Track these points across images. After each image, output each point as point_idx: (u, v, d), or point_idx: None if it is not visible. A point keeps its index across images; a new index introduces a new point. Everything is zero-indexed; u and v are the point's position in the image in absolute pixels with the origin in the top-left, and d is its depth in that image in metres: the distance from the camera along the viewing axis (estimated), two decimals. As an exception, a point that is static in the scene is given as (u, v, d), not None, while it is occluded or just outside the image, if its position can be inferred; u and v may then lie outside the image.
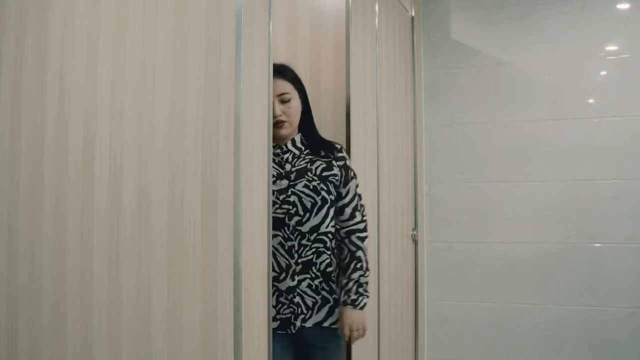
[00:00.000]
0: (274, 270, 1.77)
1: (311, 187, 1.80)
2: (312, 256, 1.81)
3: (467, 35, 3.33)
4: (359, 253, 1.88)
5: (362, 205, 1.94)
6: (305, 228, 1.79)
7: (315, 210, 1.80)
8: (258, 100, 1.55)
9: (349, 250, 1.88)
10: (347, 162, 1.91)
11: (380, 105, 2.53)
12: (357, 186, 1.92)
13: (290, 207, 1.78)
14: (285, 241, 1.79)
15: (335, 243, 1.89)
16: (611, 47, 3.08)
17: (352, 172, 1.91)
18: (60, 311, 1.62)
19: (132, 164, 1.55)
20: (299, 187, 1.79)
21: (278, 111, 1.80)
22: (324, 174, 1.84)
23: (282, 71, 1.84)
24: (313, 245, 1.81)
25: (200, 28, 1.49)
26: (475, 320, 3.24)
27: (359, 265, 1.87)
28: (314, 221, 1.80)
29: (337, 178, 1.86)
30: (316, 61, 2.30)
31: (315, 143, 1.90)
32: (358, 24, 2.30)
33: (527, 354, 3.14)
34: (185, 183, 1.48)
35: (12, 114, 1.72)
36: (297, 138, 1.89)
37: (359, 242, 1.89)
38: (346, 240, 1.89)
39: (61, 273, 1.62)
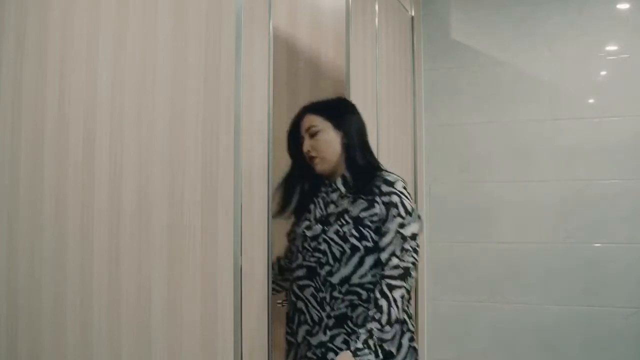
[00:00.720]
0: (307, 323, 1.67)
1: (341, 233, 1.62)
2: (346, 310, 1.61)
3: (467, 35, 3.33)
4: (382, 302, 1.56)
5: (405, 250, 1.60)
6: (335, 279, 1.63)
7: (344, 259, 1.62)
8: (258, 100, 1.55)
9: (374, 296, 1.58)
10: (394, 198, 1.62)
11: (380, 105, 2.53)
12: (402, 226, 1.61)
13: (321, 255, 1.64)
14: (317, 292, 1.65)
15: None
16: (611, 47, 3.07)
17: (397, 210, 1.61)
18: (60, 311, 1.62)
19: (132, 164, 1.55)
20: (330, 233, 1.63)
21: (306, 147, 1.71)
22: (362, 214, 1.62)
23: (312, 105, 1.75)
24: (346, 298, 1.62)
25: (200, 28, 1.49)
26: (475, 320, 3.24)
27: (377, 316, 1.55)
28: (345, 272, 1.62)
29: (377, 218, 1.62)
30: (316, 61, 2.30)
31: (362, 177, 1.66)
32: (358, 24, 2.30)
33: (527, 354, 3.14)
34: (185, 183, 1.48)
35: (12, 114, 1.72)
36: (348, 174, 1.71)
37: (386, 290, 1.57)
38: (377, 287, 1.60)
39: (61, 273, 1.62)
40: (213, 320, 1.43)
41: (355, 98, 2.23)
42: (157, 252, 1.50)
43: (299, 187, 1.78)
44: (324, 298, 1.63)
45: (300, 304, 1.67)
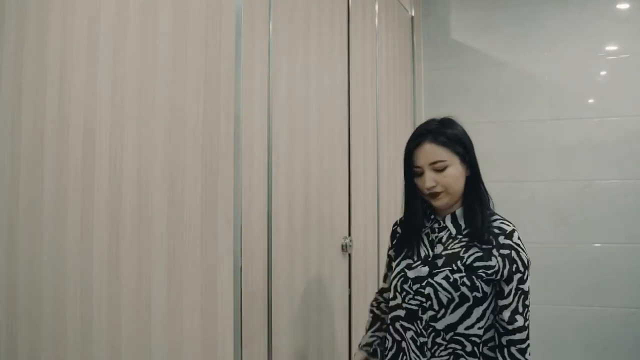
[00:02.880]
0: None
1: (452, 279, 1.49)
2: (447, 357, 1.50)
3: (467, 35, 3.33)
4: None
5: (526, 306, 1.52)
6: (440, 325, 1.50)
7: (451, 307, 1.49)
8: (258, 100, 1.55)
9: None
10: (514, 253, 1.52)
11: (380, 105, 2.53)
12: (522, 281, 1.52)
13: (424, 300, 1.51)
14: (418, 337, 1.53)
15: (490, 349, 1.53)
16: (611, 47, 3.07)
17: (516, 266, 1.51)
18: (60, 311, 1.62)
19: (132, 164, 1.55)
20: (439, 277, 1.50)
21: (430, 182, 1.55)
22: (476, 264, 1.49)
23: (434, 133, 1.62)
24: (449, 346, 1.50)
25: (200, 28, 1.49)
26: (475, 320, 3.23)
27: None
28: (450, 319, 1.50)
29: (493, 271, 1.49)
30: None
31: (477, 223, 1.53)
32: (358, 24, 2.30)
33: (527, 354, 3.14)
34: (185, 183, 1.48)
35: (12, 114, 1.72)
36: (459, 212, 1.57)
37: (519, 356, 1.48)
38: (505, 351, 1.49)
39: (61, 273, 1.62)
40: (213, 320, 1.43)
41: (355, 98, 2.23)
42: (157, 252, 1.50)
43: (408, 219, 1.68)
44: (425, 343, 1.52)
45: (404, 344, 1.58)
